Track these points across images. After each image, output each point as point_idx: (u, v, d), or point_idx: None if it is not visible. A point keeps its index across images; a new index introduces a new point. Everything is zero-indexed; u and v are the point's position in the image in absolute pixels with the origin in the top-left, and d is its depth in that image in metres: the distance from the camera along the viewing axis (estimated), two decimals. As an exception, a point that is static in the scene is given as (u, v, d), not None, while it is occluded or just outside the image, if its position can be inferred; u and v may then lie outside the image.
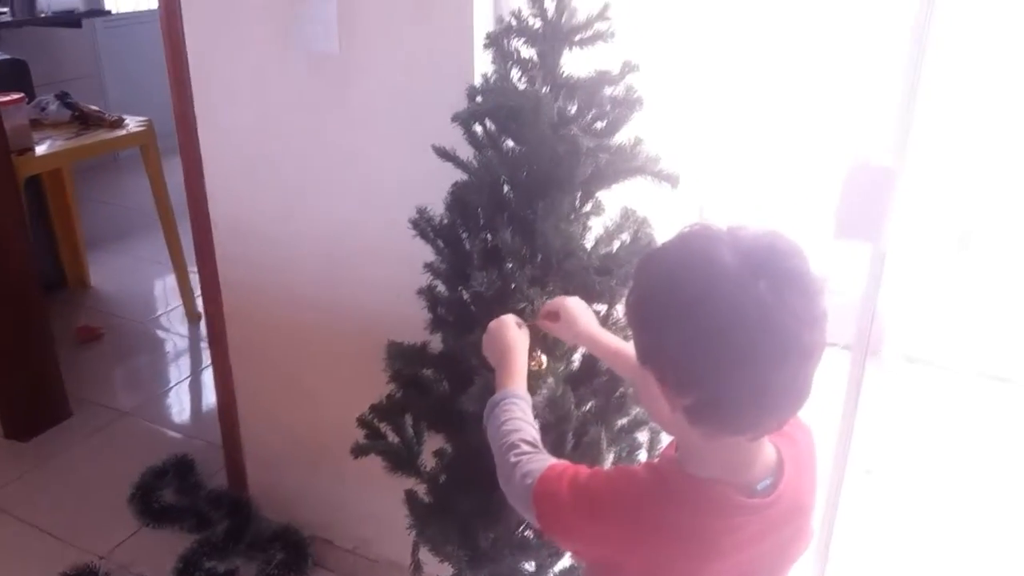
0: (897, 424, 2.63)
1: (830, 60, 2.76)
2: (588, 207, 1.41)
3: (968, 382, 2.95)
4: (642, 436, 1.46)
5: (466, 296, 1.42)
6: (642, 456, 1.45)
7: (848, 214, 1.27)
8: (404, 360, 1.50)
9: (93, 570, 2.09)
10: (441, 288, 1.48)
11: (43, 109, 3.29)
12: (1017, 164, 2.86)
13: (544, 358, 1.32)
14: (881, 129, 1.33)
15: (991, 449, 2.61)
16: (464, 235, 1.42)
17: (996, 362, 2.95)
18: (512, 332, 1.23)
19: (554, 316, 1.26)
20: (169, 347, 3.39)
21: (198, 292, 3.40)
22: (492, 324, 1.25)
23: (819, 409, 1.03)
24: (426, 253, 1.47)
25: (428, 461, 1.56)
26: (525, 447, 1.09)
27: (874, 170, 1.24)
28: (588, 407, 1.41)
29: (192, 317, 3.47)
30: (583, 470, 1.03)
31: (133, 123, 3.32)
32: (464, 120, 1.39)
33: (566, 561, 1.48)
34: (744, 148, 2.90)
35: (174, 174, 3.36)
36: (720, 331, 0.85)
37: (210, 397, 3.00)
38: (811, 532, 1.06)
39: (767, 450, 0.97)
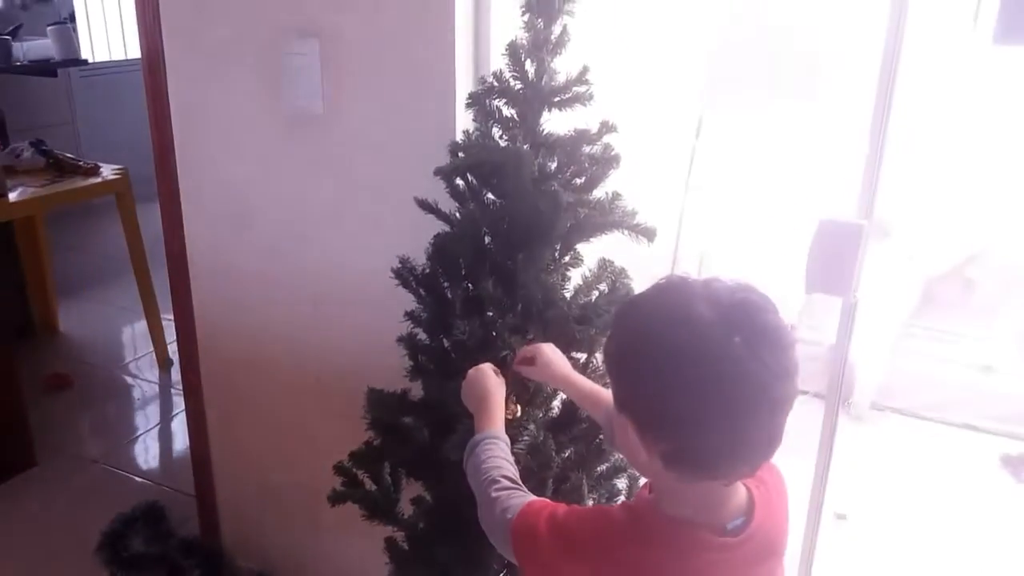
0: (867, 471, 2.67)
1: (800, 119, 2.86)
2: (567, 258, 1.45)
3: (935, 430, 3.01)
4: (621, 483, 1.49)
5: (447, 344, 1.45)
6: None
7: (818, 269, 1.32)
8: (384, 407, 1.52)
9: (60, 622, 2.04)
10: (422, 336, 1.50)
11: (17, 155, 3.28)
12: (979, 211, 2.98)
13: (518, 407, 1.36)
14: (848, 186, 1.39)
15: (958, 495, 2.66)
16: (445, 284, 1.45)
17: (962, 411, 3.02)
18: (490, 379, 1.27)
19: (530, 360, 1.31)
20: (138, 394, 3.35)
21: (169, 339, 3.40)
22: (471, 372, 1.29)
23: (790, 456, 1.06)
24: (406, 302, 1.50)
25: (406, 508, 1.57)
26: (505, 482, 1.13)
27: (842, 226, 1.30)
28: (567, 454, 1.44)
29: (163, 363, 3.45)
30: (561, 507, 1.06)
31: (108, 171, 3.32)
32: (447, 174, 1.43)
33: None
34: (719, 207, 2.99)
35: (147, 221, 3.38)
36: (696, 383, 0.88)
37: (180, 444, 2.97)
38: (784, 571, 1.08)
39: (739, 491, 1.01)
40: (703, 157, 3.05)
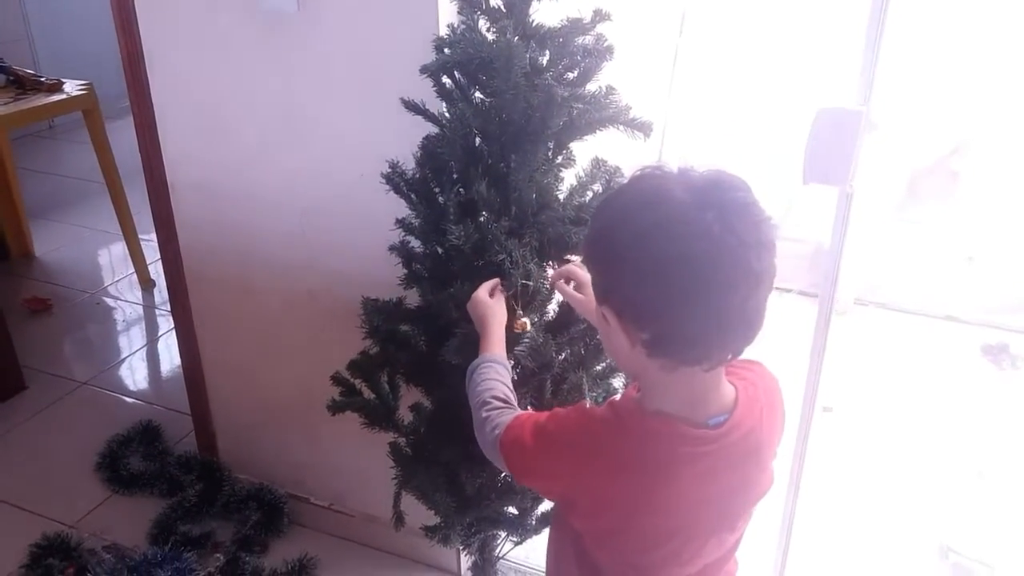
0: (851, 364, 2.72)
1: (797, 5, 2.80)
2: (560, 159, 1.42)
3: (917, 322, 3.06)
4: (617, 382, 1.50)
5: (441, 250, 1.43)
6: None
7: (817, 159, 1.30)
8: (381, 315, 1.51)
9: (65, 539, 2.06)
10: (414, 243, 1.48)
11: (-25, 73, 3.16)
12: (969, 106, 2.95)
13: (527, 321, 1.35)
14: (847, 72, 1.36)
15: (941, 385, 2.72)
16: (436, 189, 1.42)
17: (944, 303, 3.06)
18: (488, 304, 1.27)
19: (576, 284, 1.29)
20: (122, 316, 3.32)
21: (149, 259, 3.35)
22: (472, 297, 1.29)
23: (778, 351, 1.07)
24: (394, 209, 1.46)
25: (404, 416, 1.57)
26: (496, 403, 1.15)
27: (841, 113, 1.28)
28: (563, 355, 1.44)
29: (145, 284, 3.41)
30: (544, 414, 1.09)
31: (72, 87, 3.21)
32: (433, 72, 1.38)
33: (547, 505, 1.52)
34: (714, 99, 2.93)
35: (113, 139, 3.29)
36: (672, 261, 0.89)
37: (168, 364, 2.96)
38: (772, 476, 1.09)
39: (725, 388, 1.01)
40: (686, 56, 2.99)
